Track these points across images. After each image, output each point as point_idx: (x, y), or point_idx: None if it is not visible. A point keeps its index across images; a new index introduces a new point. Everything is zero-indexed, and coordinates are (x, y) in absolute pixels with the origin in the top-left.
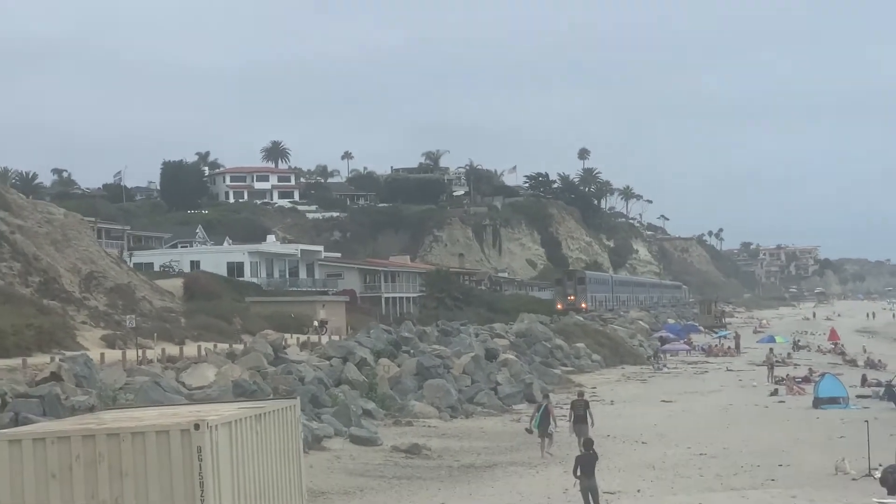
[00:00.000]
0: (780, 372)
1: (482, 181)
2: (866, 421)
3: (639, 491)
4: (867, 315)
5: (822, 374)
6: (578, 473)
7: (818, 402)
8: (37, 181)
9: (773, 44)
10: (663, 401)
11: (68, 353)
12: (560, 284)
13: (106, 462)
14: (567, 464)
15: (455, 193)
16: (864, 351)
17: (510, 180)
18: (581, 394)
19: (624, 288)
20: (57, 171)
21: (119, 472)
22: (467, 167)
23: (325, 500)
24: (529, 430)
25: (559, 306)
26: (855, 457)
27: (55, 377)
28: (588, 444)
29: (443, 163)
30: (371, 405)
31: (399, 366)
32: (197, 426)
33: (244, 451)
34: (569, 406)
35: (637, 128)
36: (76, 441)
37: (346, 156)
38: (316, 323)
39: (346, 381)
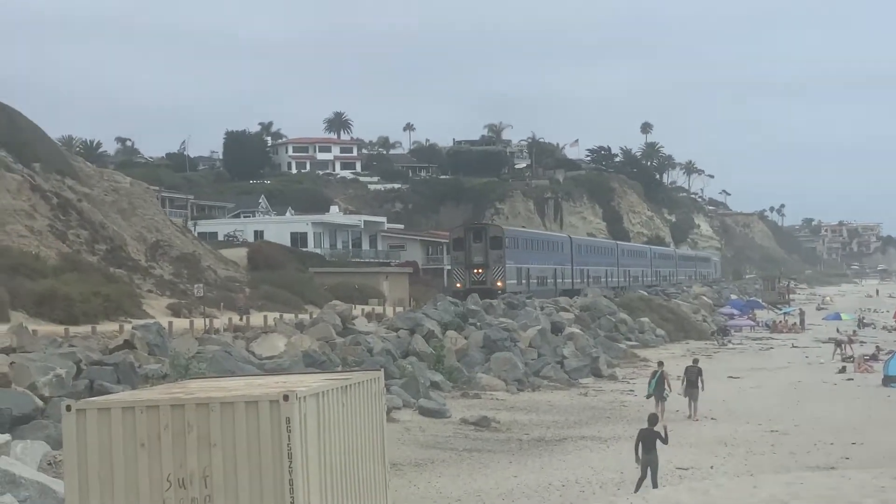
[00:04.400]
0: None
1: (544, 154)
2: None
3: (712, 467)
4: None
5: (892, 352)
6: (640, 448)
7: (888, 381)
8: (101, 150)
9: (836, 14)
10: (730, 377)
11: (138, 322)
12: (460, 248)
13: (195, 432)
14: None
15: (517, 166)
16: None
17: (572, 153)
18: (696, 360)
19: (594, 256)
20: (121, 140)
21: (208, 441)
22: (529, 140)
23: (397, 472)
24: (648, 396)
25: (458, 285)
26: None
27: (128, 345)
28: (652, 419)
29: (505, 136)
30: (439, 377)
31: (466, 338)
32: (286, 397)
33: (331, 423)
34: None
35: (700, 101)
36: (165, 410)
37: (408, 127)
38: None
39: (413, 353)
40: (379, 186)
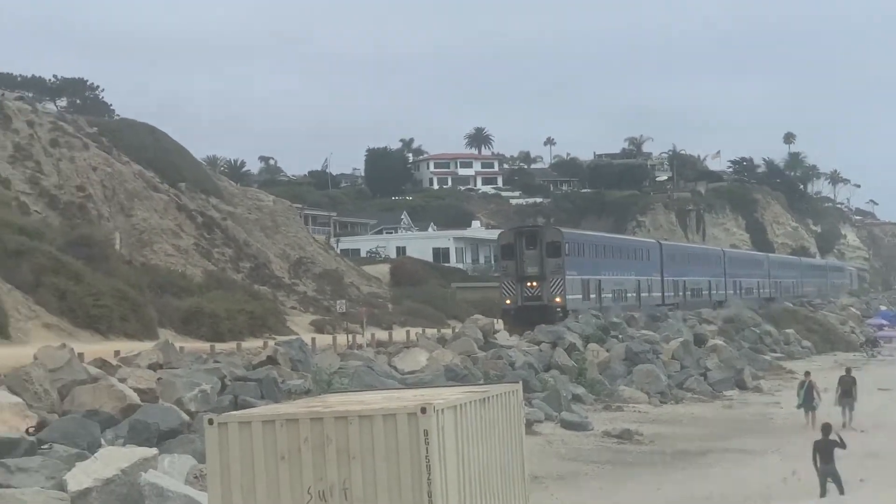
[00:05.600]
0: None
1: (685, 166)
2: None
3: (861, 480)
4: None
5: None
6: (818, 460)
7: None
8: (245, 169)
9: None
10: (880, 389)
11: (281, 338)
12: (510, 257)
13: (334, 445)
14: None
15: (658, 179)
16: None
17: (714, 165)
18: (848, 370)
19: (693, 266)
20: (264, 159)
21: (347, 454)
22: (670, 152)
23: (539, 485)
24: (799, 406)
25: (507, 302)
26: None
27: (271, 361)
28: (826, 429)
29: (645, 148)
30: (581, 390)
31: (608, 351)
32: (424, 410)
33: (469, 435)
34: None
35: (844, 110)
36: (304, 424)
37: (549, 142)
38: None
39: (555, 366)
40: (520, 201)
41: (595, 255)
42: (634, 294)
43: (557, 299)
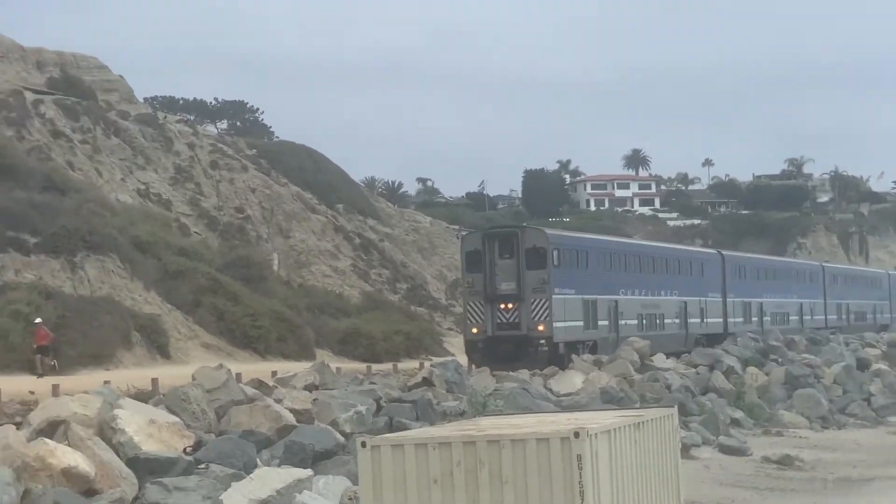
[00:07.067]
0: None
1: (848, 187)
2: None
3: None
4: None
5: None
6: None
7: None
8: (402, 190)
9: None
10: None
11: (437, 359)
12: (476, 269)
13: (486, 469)
14: None
15: (819, 200)
16: None
17: (878, 186)
18: None
19: (786, 285)
20: (421, 181)
21: (499, 479)
22: (832, 173)
23: None
24: None
25: (473, 330)
26: None
27: (427, 382)
28: None
29: (806, 170)
30: (739, 414)
31: (767, 374)
32: (577, 434)
33: (623, 460)
34: None
35: None
36: (457, 447)
37: (707, 163)
38: None
39: (713, 390)
40: (678, 222)
41: (607, 268)
42: (677, 320)
43: (540, 327)
